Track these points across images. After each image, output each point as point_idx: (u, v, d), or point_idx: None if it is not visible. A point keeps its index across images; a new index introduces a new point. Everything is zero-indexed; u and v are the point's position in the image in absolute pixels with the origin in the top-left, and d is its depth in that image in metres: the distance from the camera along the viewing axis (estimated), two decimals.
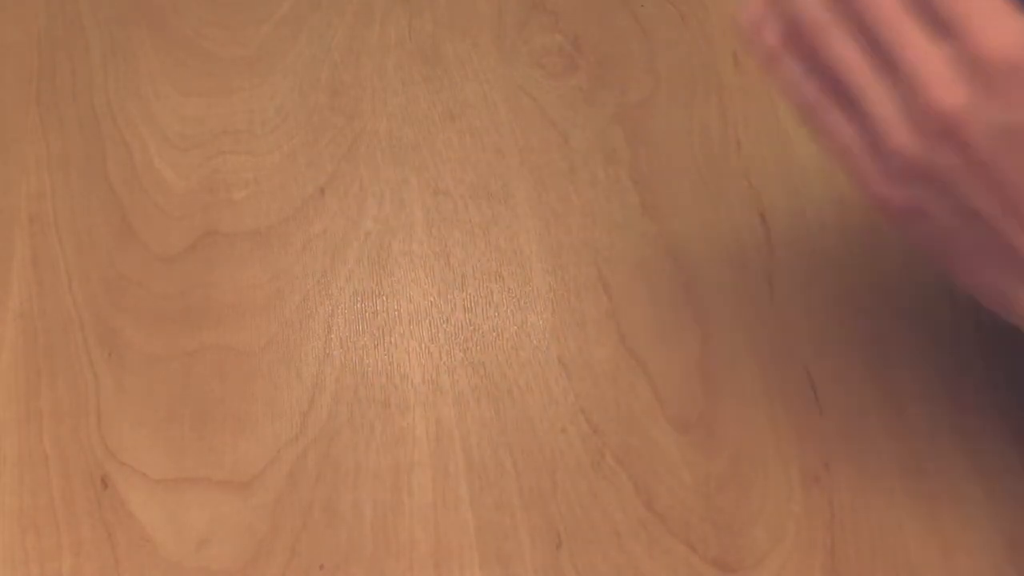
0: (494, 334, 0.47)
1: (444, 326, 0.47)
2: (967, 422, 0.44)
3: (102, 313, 0.47)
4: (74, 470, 0.43)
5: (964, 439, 0.43)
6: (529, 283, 0.48)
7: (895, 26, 0.32)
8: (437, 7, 0.57)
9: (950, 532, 0.41)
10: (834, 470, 0.43)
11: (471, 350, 0.46)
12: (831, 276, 0.47)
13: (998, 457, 0.43)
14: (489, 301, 0.47)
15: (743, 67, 0.53)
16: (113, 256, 0.48)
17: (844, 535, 0.41)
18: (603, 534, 0.42)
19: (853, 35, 0.33)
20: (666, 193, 0.50)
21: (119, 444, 0.44)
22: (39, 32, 0.56)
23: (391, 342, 0.46)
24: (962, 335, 0.46)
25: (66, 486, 0.43)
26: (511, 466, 0.43)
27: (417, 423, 0.44)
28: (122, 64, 0.55)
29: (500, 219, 0.50)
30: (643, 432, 0.44)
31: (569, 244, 0.49)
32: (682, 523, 0.42)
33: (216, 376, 0.45)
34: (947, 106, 0.31)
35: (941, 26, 0.31)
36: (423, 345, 0.46)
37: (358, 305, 0.47)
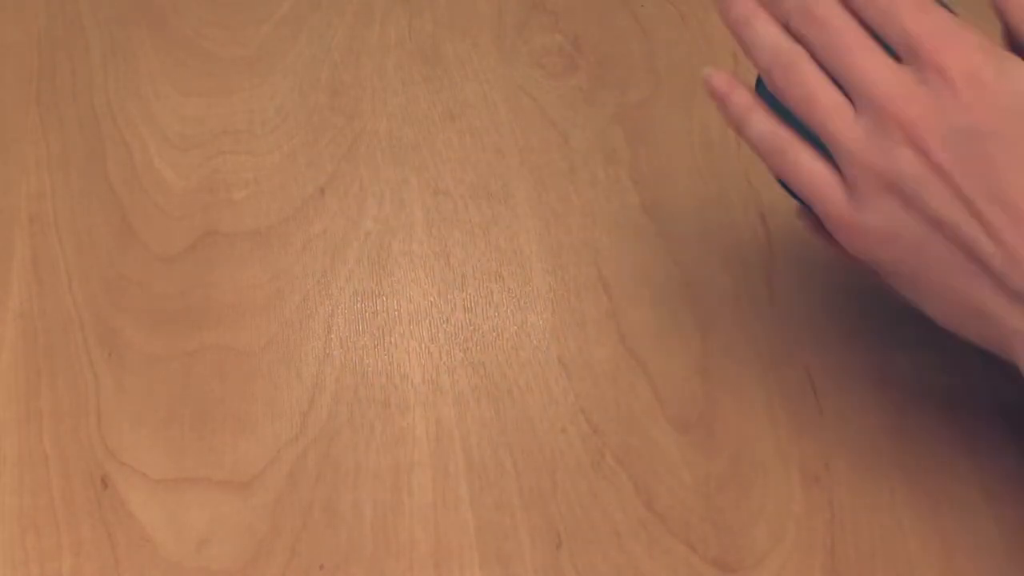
0: (494, 334, 0.47)
1: (444, 326, 0.47)
2: (967, 422, 0.44)
3: (102, 313, 0.47)
4: (74, 470, 0.43)
5: (964, 439, 0.43)
6: (529, 283, 0.48)
7: (854, 48, 0.34)
8: (437, 7, 0.57)
9: (950, 532, 0.41)
10: (834, 470, 0.43)
11: (471, 350, 0.46)
12: (831, 276, 0.47)
13: (998, 457, 0.43)
14: (489, 301, 0.47)
15: (743, 67, 0.53)
16: (113, 256, 0.48)
17: (844, 535, 0.41)
18: (603, 534, 0.42)
19: (818, 61, 0.35)
20: (666, 193, 0.50)
21: (119, 444, 0.44)
22: (39, 32, 0.56)
23: (391, 342, 0.46)
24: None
25: (66, 486, 0.43)
26: (511, 466, 0.43)
27: (417, 423, 0.44)
28: (122, 64, 0.55)
29: (500, 219, 0.50)
30: (643, 432, 0.44)
31: (569, 244, 0.49)
32: (682, 523, 0.42)
33: (216, 376, 0.45)
34: (908, 115, 0.32)
35: (901, 42, 0.33)
36: (423, 345, 0.46)
37: (358, 305, 0.47)
